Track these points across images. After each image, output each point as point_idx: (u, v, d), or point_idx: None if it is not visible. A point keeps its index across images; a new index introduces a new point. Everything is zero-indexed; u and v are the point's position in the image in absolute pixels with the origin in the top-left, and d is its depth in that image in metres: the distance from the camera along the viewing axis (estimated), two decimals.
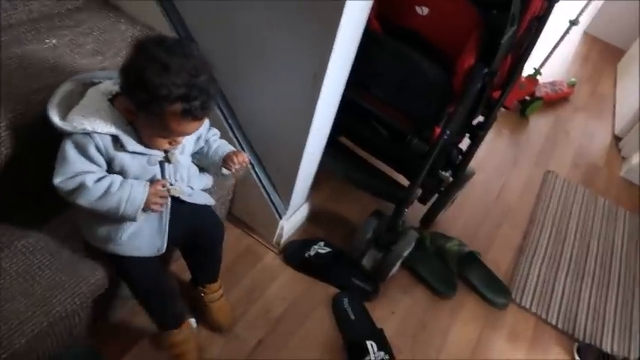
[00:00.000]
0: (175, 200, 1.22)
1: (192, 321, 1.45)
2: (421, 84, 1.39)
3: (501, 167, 2.51)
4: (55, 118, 1.07)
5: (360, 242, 1.71)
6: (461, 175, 1.83)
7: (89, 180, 1.07)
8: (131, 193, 1.10)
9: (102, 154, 1.08)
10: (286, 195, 1.67)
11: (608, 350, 1.79)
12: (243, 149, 1.58)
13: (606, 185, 2.62)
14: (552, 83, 3.04)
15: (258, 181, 1.64)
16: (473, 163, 1.86)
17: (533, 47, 1.51)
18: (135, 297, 1.29)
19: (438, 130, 1.48)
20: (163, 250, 1.24)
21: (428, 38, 1.43)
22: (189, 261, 1.47)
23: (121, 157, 1.10)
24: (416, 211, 1.97)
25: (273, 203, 1.67)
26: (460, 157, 1.76)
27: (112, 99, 1.10)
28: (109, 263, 1.24)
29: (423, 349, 1.64)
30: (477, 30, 1.32)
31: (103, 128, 1.06)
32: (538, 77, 2.85)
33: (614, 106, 3.21)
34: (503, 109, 2.76)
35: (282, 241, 1.77)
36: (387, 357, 1.53)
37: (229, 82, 1.51)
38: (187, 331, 1.35)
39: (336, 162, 1.73)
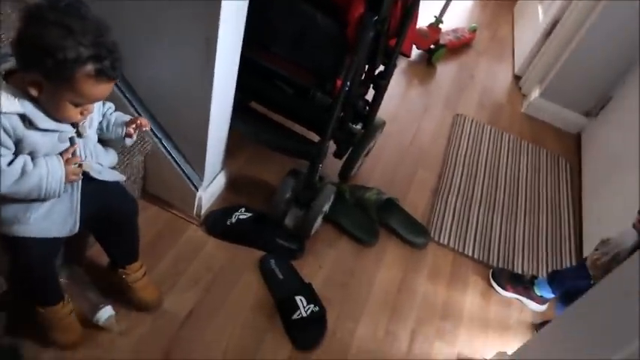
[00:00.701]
0: (84, 178, 1.18)
1: (108, 309, 1.41)
2: (316, 37, 1.40)
3: (414, 115, 2.59)
4: None
5: (279, 203, 1.73)
6: (370, 126, 1.88)
7: (2, 163, 1.01)
8: (49, 169, 1.05)
9: (10, 136, 1.02)
10: (199, 165, 1.65)
11: (519, 271, 1.95)
12: None
13: (510, 122, 2.79)
14: (454, 30, 3.15)
15: (167, 154, 1.60)
16: (387, 114, 1.91)
17: None
18: (13, 276, 1.24)
19: (339, 83, 1.50)
20: (76, 230, 1.20)
21: None
22: (104, 243, 1.43)
23: (32, 136, 1.04)
24: (334, 166, 2.01)
25: (187, 175, 1.65)
26: (367, 108, 1.80)
27: (7, 78, 1.03)
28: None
29: (352, 296, 1.71)
30: None
31: (8, 107, 0.99)
32: (440, 26, 2.94)
33: (513, 48, 3.39)
34: (408, 61, 2.86)
35: (203, 212, 1.76)
36: (316, 309, 1.58)
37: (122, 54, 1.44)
38: (70, 305, 1.33)
39: (245, 126, 1.72)
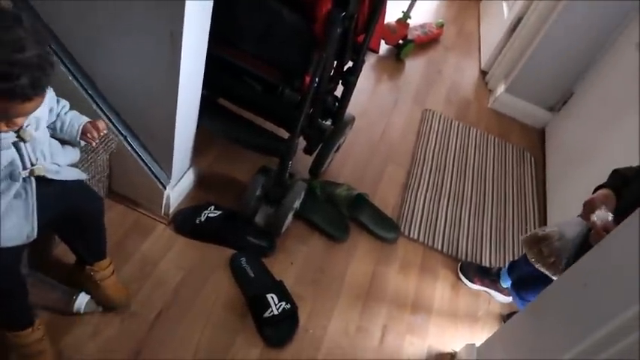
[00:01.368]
0: (42, 180, 1.13)
1: (83, 295, 1.39)
2: (283, 33, 1.39)
3: (383, 111, 2.61)
4: None
5: (249, 200, 1.72)
6: (340, 122, 1.88)
7: None
8: None
9: None
10: (166, 163, 1.62)
11: (487, 264, 1.99)
12: (110, 120, 1.49)
13: (477, 117, 2.84)
14: (422, 26, 3.17)
15: (133, 152, 1.57)
16: (356, 109, 1.91)
17: None
18: None
19: (308, 79, 1.49)
20: (34, 236, 1.15)
21: None
22: (70, 242, 1.40)
23: None
24: (304, 163, 2.00)
25: (154, 173, 1.61)
26: (336, 104, 1.80)
27: None
28: None
29: (323, 292, 1.71)
30: None
31: None
32: (408, 21, 2.96)
33: (479, 43, 3.44)
34: (377, 56, 2.87)
35: (171, 211, 1.73)
36: (288, 306, 1.58)
37: (83, 49, 1.41)
38: (42, 327, 1.27)
39: (213, 123, 1.70)
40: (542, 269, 1.42)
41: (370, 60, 2.86)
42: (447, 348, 1.71)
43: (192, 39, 1.30)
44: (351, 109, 1.97)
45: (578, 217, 1.34)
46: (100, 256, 1.41)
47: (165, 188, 1.65)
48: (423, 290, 1.85)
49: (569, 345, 1.08)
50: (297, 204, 1.78)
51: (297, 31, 1.39)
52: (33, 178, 1.11)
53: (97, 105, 1.47)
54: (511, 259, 2.05)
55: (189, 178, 1.79)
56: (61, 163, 1.21)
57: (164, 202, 1.69)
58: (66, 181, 1.22)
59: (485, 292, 1.90)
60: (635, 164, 1.78)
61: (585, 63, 2.56)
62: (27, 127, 1.07)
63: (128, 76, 1.43)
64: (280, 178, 1.72)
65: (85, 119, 1.24)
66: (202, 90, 1.52)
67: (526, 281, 1.63)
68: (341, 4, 1.34)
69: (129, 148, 1.55)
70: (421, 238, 2.00)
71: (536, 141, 2.80)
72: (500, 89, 2.89)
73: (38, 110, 1.06)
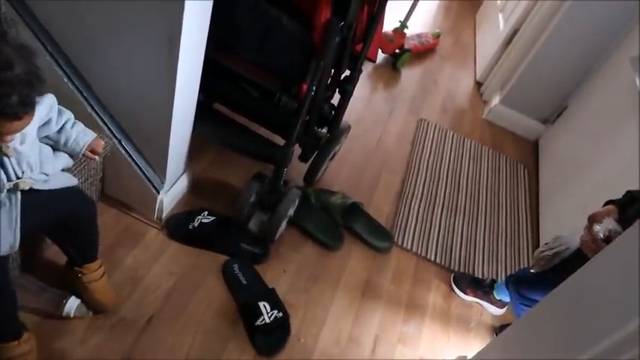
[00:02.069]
0: (28, 191, 1.12)
1: (73, 299, 1.38)
2: (282, 40, 1.39)
3: (378, 119, 2.61)
4: None
5: (243, 206, 1.71)
6: (336, 131, 1.88)
7: None
8: None
9: None
10: (161, 168, 1.61)
11: (480, 275, 1.99)
12: (105, 124, 1.48)
13: (472, 127, 2.85)
14: (419, 35, 3.19)
15: (127, 156, 1.55)
16: (352, 117, 1.91)
17: None
18: None
19: (305, 87, 1.49)
20: (16, 247, 1.14)
21: None
22: (62, 244, 1.38)
23: None
24: (299, 170, 2.00)
25: (148, 178, 1.60)
26: (333, 112, 1.80)
27: None
28: None
29: (316, 301, 1.70)
30: None
31: None
32: (405, 30, 2.97)
33: (475, 54, 3.46)
34: (373, 65, 2.88)
35: (164, 215, 1.72)
36: (280, 314, 1.57)
37: (79, 52, 1.40)
38: (30, 341, 1.25)
39: (209, 128, 1.69)
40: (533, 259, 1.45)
41: (367, 68, 2.86)
42: (439, 359, 1.70)
43: (190, 45, 1.29)
44: (347, 116, 1.97)
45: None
46: (90, 259, 1.40)
47: (158, 193, 1.64)
48: (416, 300, 1.84)
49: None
50: (291, 211, 1.77)
51: (295, 38, 1.39)
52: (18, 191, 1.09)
53: (92, 108, 1.46)
54: (503, 271, 2.05)
55: (183, 183, 1.78)
56: (50, 172, 1.19)
57: (157, 206, 1.67)
58: (56, 189, 1.20)
59: (478, 303, 1.90)
60: (626, 178, 1.81)
61: (580, 76, 2.59)
62: (10, 141, 1.03)
63: (124, 80, 1.42)
64: (275, 185, 1.71)
65: (91, 137, 1.24)
66: (198, 95, 1.51)
67: (524, 279, 1.62)
68: (340, 13, 1.34)
69: (123, 152, 1.54)
70: (414, 248, 2.00)
71: (529, 153, 2.81)
72: (495, 100, 2.91)
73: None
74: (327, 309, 1.69)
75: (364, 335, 1.67)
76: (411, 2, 2.91)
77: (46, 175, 1.18)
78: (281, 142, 1.79)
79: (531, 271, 1.44)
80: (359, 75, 1.74)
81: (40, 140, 1.18)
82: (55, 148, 1.23)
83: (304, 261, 1.80)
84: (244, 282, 1.64)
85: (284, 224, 1.78)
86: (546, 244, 1.47)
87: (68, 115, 1.23)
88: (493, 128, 2.90)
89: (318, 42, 1.38)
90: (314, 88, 1.45)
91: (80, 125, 1.25)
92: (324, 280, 1.77)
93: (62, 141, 1.22)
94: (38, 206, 1.15)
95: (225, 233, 1.72)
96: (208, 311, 1.56)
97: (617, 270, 1.08)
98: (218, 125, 1.75)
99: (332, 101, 1.88)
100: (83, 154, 1.25)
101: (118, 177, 1.62)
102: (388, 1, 1.59)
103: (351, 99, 1.88)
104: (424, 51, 3.21)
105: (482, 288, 1.87)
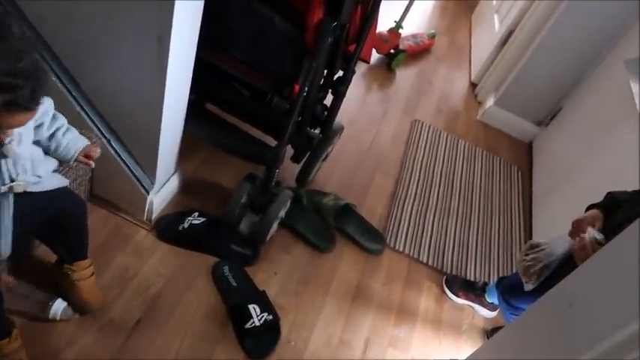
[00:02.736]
0: (21, 194, 1.11)
1: (59, 301, 1.36)
2: (274, 40, 1.37)
3: (372, 120, 2.60)
4: None
5: (234, 208, 1.69)
6: (329, 131, 1.86)
7: None
8: None
9: None
10: (150, 168, 1.59)
11: (472, 277, 1.98)
12: (94, 123, 1.46)
13: (466, 129, 2.84)
14: (414, 36, 3.17)
15: (117, 156, 1.53)
16: (346, 117, 1.90)
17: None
18: None
19: (297, 88, 1.47)
20: (9, 252, 1.13)
21: None
22: (52, 245, 1.37)
23: None
24: (291, 170, 1.98)
25: (137, 178, 1.58)
26: (325, 113, 1.79)
27: None
28: None
29: (307, 303, 1.69)
30: None
31: None
32: (400, 31, 2.96)
33: (470, 55, 3.45)
34: (368, 65, 2.87)
35: (154, 216, 1.70)
36: (270, 317, 1.55)
37: (68, 51, 1.38)
38: (18, 339, 1.24)
39: (199, 128, 1.67)
40: (520, 273, 1.42)
41: (361, 69, 2.85)
42: None
43: (181, 44, 1.27)
44: (341, 117, 1.95)
45: (567, 236, 1.34)
46: (80, 256, 1.38)
47: (148, 193, 1.62)
48: (408, 303, 1.83)
49: None
50: (282, 213, 1.76)
51: (287, 39, 1.37)
52: (11, 193, 1.08)
53: (81, 107, 1.44)
54: (496, 274, 2.05)
55: (173, 184, 1.76)
56: (42, 174, 1.18)
57: (147, 207, 1.65)
58: (47, 190, 1.19)
59: (470, 306, 1.89)
60: (619, 181, 1.80)
61: (574, 79, 2.58)
62: (9, 142, 1.03)
63: (113, 79, 1.40)
64: (266, 186, 1.70)
65: (84, 143, 1.23)
66: (189, 94, 1.50)
67: (514, 288, 1.61)
68: (333, 13, 1.32)
69: (112, 152, 1.52)
70: (407, 250, 1.98)
71: (523, 154, 2.81)
72: (490, 102, 2.90)
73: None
74: (318, 312, 1.68)
75: (355, 338, 1.66)
76: (407, 2, 2.89)
77: (39, 177, 1.16)
78: (272, 142, 1.77)
79: (525, 288, 1.41)
80: (352, 76, 1.72)
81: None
82: (46, 152, 1.22)
83: (295, 263, 1.79)
84: (234, 284, 1.63)
85: (275, 226, 1.76)
86: (527, 254, 1.44)
87: (62, 121, 1.21)
88: (487, 130, 2.89)
89: (311, 42, 1.37)
90: (306, 88, 1.43)
91: (74, 132, 1.24)
92: (315, 283, 1.76)
93: (53, 147, 1.20)
94: (31, 207, 1.14)
95: (216, 235, 1.70)
96: (197, 313, 1.54)
97: (610, 273, 1.07)
98: (209, 125, 1.73)
99: (325, 102, 1.86)
100: (77, 160, 1.24)
101: (107, 177, 1.60)
102: (382, 1, 1.58)
103: (345, 99, 1.87)
104: (419, 51, 3.20)
105: (474, 291, 1.86)
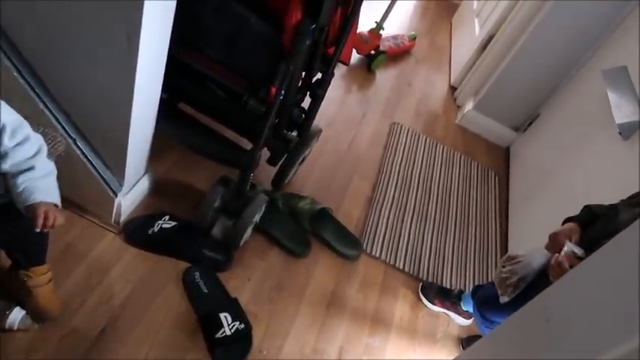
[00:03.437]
0: None
1: (17, 310, 1.29)
2: (250, 41, 1.32)
3: (351, 122, 2.56)
4: None
5: (206, 212, 1.64)
6: (306, 134, 1.82)
7: None
8: None
9: None
10: (119, 169, 1.52)
11: (448, 285, 1.97)
12: (58, 121, 1.39)
13: (445, 132, 2.83)
14: (394, 37, 3.15)
15: (82, 156, 1.46)
16: (324, 119, 1.85)
17: (361, 1, 1.50)
18: None
19: (274, 90, 1.43)
20: None
21: None
22: (7, 251, 1.30)
23: None
24: (267, 172, 1.93)
25: (105, 180, 1.51)
26: (303, 116, 1.74)
27: None
28: None
29: (280, 311, 1.65)
30: None
31: None
32: (381, 32, 2.93)
33: (450, 58, 3.44)
34: (346, 67, 2.83)
35: (122, 219, 1.63)
36: (242, 326, 1.50)
37: (32, 46, 1.30)
38: None
39: (171, 128, 1.61)
40: (496, 285, 1.41)
41: (340, 69, 2.81)
42: None
43: (151, 43, 1.21)
44: (319, 118, 1.90)
45: (545, 249, 1.32)
46: (38, 261, 1.31)
47: (116, 195, 1.55)
48: (383, 310, 1.81)
49: None
50: (257, 217, 1.71)
51: (264, 40, 1.32)
52: None
53: (45, 104, 1.36)
54: (472, 281, 2.03)
55: (143, 185, 1.70)
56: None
57: (115, 209, 1.59)
58: None
59: (445, 314, 1.87)
60: (595, 189, 1.80)
61: (552, 86, 2.59)
62: None
63: (80, 76, 1.33)
64: (241, 189, 1.64)
65: (42, 198, 1.08)
66: (162, 93, 1.43)
67: (489, 301, 1.60)
68: (312, 15, 1.28)
69: (78, 152, 1.45)
70: (383, 256, 1.96)
71: (501, 160, 2.81)
72: (469, 106, 2.89)
73: None
74: (292, 320, 1.64)
75: (329, 347, 1.62)
76: (388, 3, 2.86)
77: None
78: (248, 145, 1.72)
79: (500, 300, 1.39)
80: (331, 79, 1.68)
81: None
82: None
83: (269, 269, 1.74)
84: (205, 291, 1.57)
85: (249, 230, 1.71)
86: (503, 267, 1.43)
87: (27, 151, 1.07)
88: (465, 134, 2.89)
89: (288, 44, 1.32)
90: (283, 91, 1.38)
91: (37, 183, 1.09)
92: (289, 290, 1.72)
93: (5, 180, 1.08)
94: None
95: (187, 239, 1.64)
96: (166, 322, 1.49)
97: (590, 289, 1.06)
98: (182, 126, 1.67)
99: (303, 104, 1.82)
100: (29, 212, 1.07)
101: (73, 178, 1.52)
102: (364, 2, 1.54)
103: (324, 100, 1.82)
104: (400, 53, 3.17)
105: (449, 298, 1.85)
